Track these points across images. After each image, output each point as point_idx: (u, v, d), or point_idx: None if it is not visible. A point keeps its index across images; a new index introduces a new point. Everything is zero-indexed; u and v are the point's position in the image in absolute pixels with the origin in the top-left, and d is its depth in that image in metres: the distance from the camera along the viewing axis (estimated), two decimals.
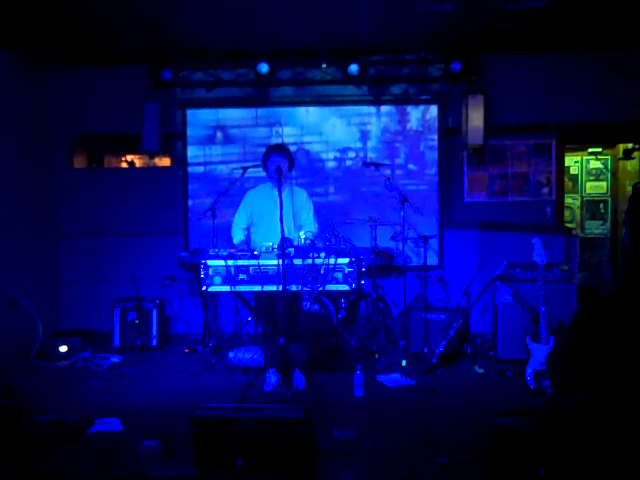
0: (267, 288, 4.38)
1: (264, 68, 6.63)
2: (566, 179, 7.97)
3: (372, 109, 6.96)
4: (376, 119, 6.96)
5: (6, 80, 6.13)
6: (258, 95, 6.99)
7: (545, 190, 6.92)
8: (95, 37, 6.11)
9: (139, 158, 7.88)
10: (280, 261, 4.26)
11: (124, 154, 7.79)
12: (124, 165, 7.81)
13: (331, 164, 7.00)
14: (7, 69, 6.15)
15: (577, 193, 8.80)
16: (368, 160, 6.75)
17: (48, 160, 6.93)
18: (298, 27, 5.92)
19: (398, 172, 6.92)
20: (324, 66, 6.82)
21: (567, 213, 8.16)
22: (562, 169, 7.13)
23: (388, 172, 6.59)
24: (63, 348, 5.64)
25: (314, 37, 6.27)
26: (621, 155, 8.09)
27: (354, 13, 5.47)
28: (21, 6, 5.20)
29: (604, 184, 8.75)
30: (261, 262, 4.38)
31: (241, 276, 4.39)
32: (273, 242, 4.44)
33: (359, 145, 6.98)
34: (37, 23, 5.64)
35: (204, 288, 4.45)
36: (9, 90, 6.17)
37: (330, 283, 4.39)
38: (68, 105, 6.96)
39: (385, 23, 5.83)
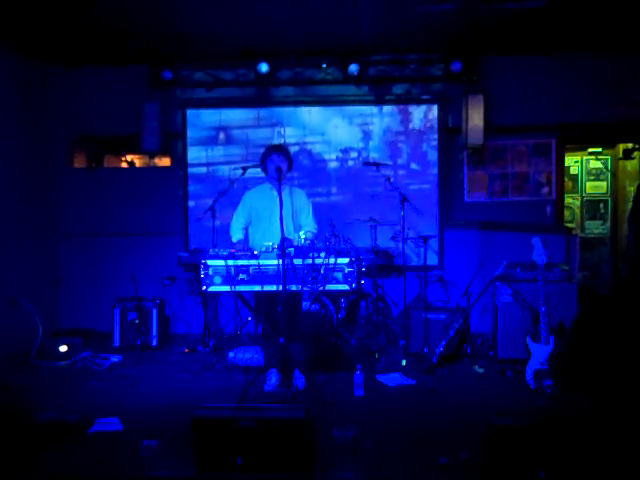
0: (267, 288, 4.38)
1: (264, 68, 6.63)
2: (566, 179, 7.97)
3: (374, 109, 6.97)
4: (378, 119, 6.97)
5: (6, 80, 6.12)
6: (258, 95, 6.99)
7: (545, 190, 6.92)
8: (95, 37, 6.11)
9: (139, 158, 7.88)
10: (280, 261, 4.26)
11: (124, 154, 7.79)
12: (124, 165, 7.81)
13: (333, 164, 7.01)
14: (7, 69, 6.14)
15: (577, 193, 8.80)
16: (370, 160, 6.74)
17: (48, 160, 6.93)
18: (298, 27, 5.92)
19: (401, 172, 6.93)
20: (324, 66, 6.83)
21: (567, 213, 8.15)
22: (562, 169, 7.13)
23: (390, 173, 6.59)
24: (63, 348, 5.64)
25: (314, 37, 6.27)
26: (621, 155, 8.09)
27: (354, 13, 5.47)
28: (21, 6, 5.20)
29: (604, 184, 8.75)
30: (261, 262, 4.38)
31: (241, 276, 4.39)
32: (273, 242, 4.44)
33: (361, 145, 6.98)
34: (37, 23, 5.64)
35: (204, 288, 4.45)
36: (9, 90, 6.17)
37: (330, 283, 4.38)
38: (68, 105, 6.96)
39: (385, 23, 5.84)
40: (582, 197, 8.79)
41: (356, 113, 6.97)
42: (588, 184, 8.78)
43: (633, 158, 7.91)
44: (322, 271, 4.35)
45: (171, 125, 7.00)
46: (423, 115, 6.95)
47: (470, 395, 4.63)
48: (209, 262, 4.42)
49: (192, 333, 6.67)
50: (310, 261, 4.34)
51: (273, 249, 4.40)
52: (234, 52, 6.69)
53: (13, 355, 5.67)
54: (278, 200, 4.44)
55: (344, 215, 6.47)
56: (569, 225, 8.10)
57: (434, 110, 6.94)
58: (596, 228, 8.75)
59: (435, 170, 6.94)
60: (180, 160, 7.09)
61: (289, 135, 6.96)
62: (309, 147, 6.99)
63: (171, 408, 4.31)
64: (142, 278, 6.13)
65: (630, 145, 7.75)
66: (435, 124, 6.93)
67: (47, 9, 5.28)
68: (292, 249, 4.38)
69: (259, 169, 5.07)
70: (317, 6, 5.36)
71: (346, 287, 4.40)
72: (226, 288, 4.43)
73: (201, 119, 7.04)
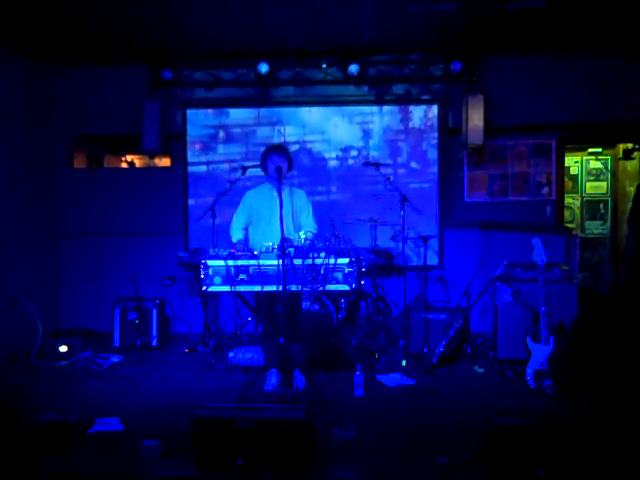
0: (267, 288, 4.38)
1: (264, 68, 6.63)
2: (566, 179, 7.97)
3: (374, 108, 6.98)
4: (378, 118, 6.97)
5: (6, 80, 6.12)
6: (258, 95, 6.99)
7: (545, 190, 6.93)
8: (95, 37, 6.11)
9: (139, 158, 7.88)
10: (280, 261, 4.26)
11: (124, 154, 7.79)
12: (124, 165, 7.81)
13: (333, 163, 7.02)
14: (7, 69, 6.14)
15: (577, 193, 8.80)
16: (370, 159, 6.76)
17: (48, 160, 6.93)
18: (298, 27, 5.93)
19: (401, 171, 6.94)
20: (324, 66, 6.83)
21: (567, 213, 8.16)
22: (562, 169, 7.13)
23: (390, 171, 6.61)
24: (63, 348, 5.64)
25: (314, 37, 6.27)
26: (621, 155, 8.09)
27: (354, 13, 5.47)
28: (21, 6, 5.20)
29: (604, 184, 8.75)
30: (261, 262, 4.38)
31: (241, 276, 4.39)
32: (273, 242, 4.44)
33: (361, 144, 6.99)
34: (37, 23, 5.63)
35: (204, 288, 4.45)
36: (9, 90, 6.16)
37: (330, 283, 4.38)
38: (68, 105, 6.95)
39: (385, 23, 5.84)
40: (582, 197, 8.80)
41: (356, 112, 6.98)
42: (588, 184, 8.79)
43: (633, 158, 7.91)
44: (322, 271, 4.35)
45: (171, 125, 6.99)
46: (423, 114, 6.95)
47: (470, 395, 4.63)
48: (209, 262, 4.42)
49: (192, 333, 6.68)
50: (310, 261, 4.34)
51: (273, 249, 4.40)
52: (234, 52, 6.69)
53: (13, 355, 5.67)
54: (278, 200, 4.44)
55: (344, 215, 6.47)
56: (569, 225, 8.10)
57: (434, 109, 6.94)
58: (596, 228, 8.75)
59: (435, 169, 6.95)
60: (180, 160, 7.09)
61: (289, 134, 6.96)
62: (309, 146, 7.00)
63: (171, 408, 4.31)
64: (142, 278, 6.13)
65: (630, 145, 7.75)
66: (435, 123, 6.94)
67: (47, 9, 5.28)
68: (292, 249, 4.38)
69: (259, 169, 5.08)
70: (317, 6, 5.36)
71: (346, 287, 4.40)
72: (226, 288, 4.43)
73: (201, 118, 7.04)
